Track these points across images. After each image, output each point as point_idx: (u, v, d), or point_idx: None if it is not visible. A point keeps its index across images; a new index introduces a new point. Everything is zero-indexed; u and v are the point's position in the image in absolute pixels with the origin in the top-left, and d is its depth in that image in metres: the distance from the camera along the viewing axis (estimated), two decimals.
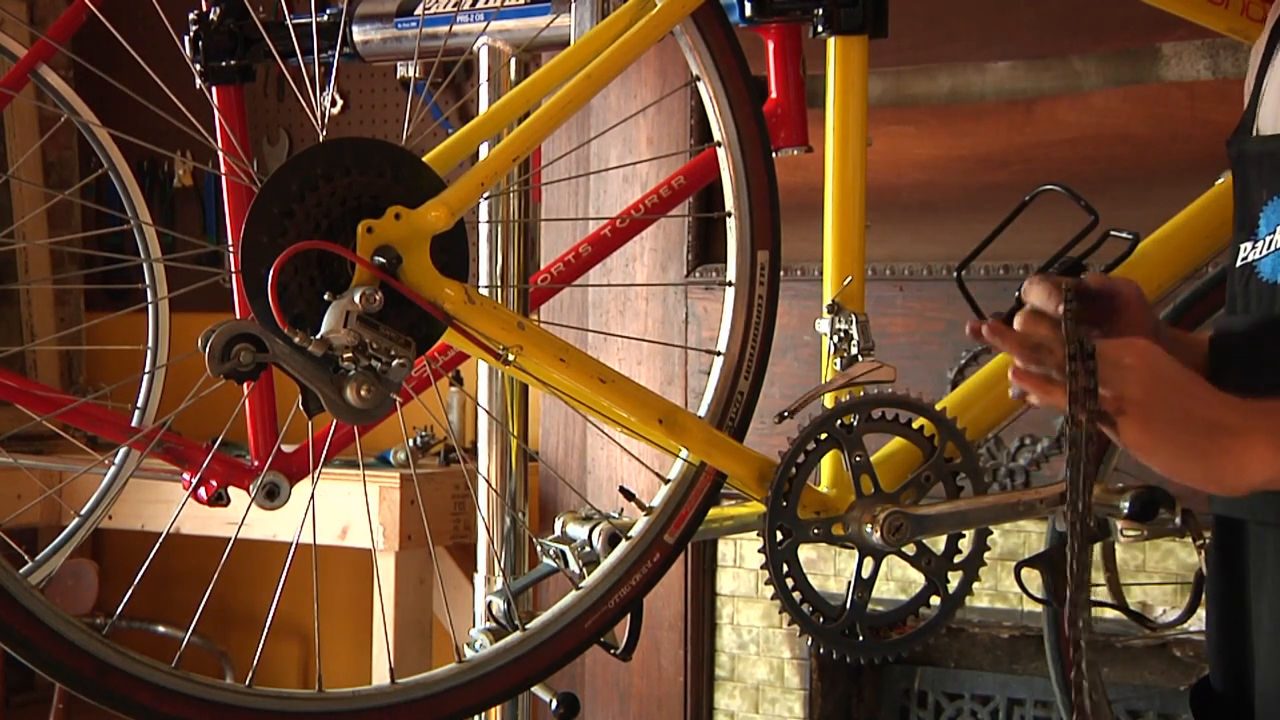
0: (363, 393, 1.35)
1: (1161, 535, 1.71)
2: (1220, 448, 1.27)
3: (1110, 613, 1.91)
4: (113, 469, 2.09)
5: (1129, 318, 1.46)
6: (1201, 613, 1.60)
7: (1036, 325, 1.34)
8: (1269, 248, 1.44)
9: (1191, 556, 1.82)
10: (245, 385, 1.36)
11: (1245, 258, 1.46)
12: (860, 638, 1.62)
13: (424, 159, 1.41)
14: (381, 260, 1.37)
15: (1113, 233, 1.70)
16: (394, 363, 1.35)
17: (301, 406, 1.37)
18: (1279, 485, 1.27)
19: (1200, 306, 1.85)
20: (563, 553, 1.63)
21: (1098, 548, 1.96)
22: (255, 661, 1.42)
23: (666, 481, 1.56)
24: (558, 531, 1.66)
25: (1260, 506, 1.38)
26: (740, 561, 3.31)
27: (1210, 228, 1.77)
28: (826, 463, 1.64)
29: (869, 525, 1.60)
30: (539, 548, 1.67)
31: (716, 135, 1.57)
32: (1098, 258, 1.71)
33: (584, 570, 1.58)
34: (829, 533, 1.62)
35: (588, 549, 1.60)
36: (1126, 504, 1.66)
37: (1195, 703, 1.54)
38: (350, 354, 1.34)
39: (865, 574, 1.62)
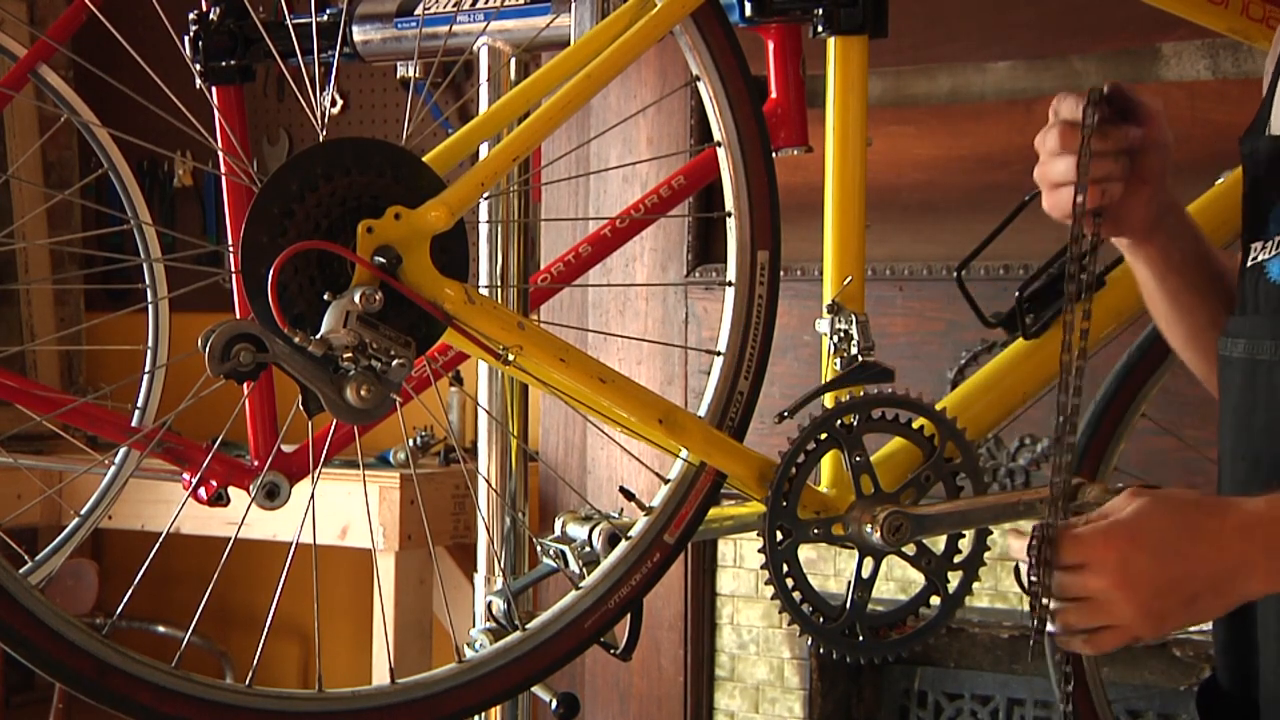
0: (363, 392, 1.35)
1: None
2: (1219, 593, 1.29)
3: None
4: (113, 469, 2.09)
5: (1148, 143, 1.53)
6: None
7: (1070, 137, 1.50)
8: (1278, 248, 1.43)
9: None
10: (245, 385, 1.36)
11: (1255, 258, 1.46)
12: (860, 638, 1.62)
13: (424, 159, 1.41)
14: (381, 260, 1.37)
15: None
16: (394, 363, 1.35)
17: (301, 406, 1.37)
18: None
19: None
20: (563, 553, 1.62)
21: None
22: (255, 661, 1.42)
23: (666, 481, 1.56)
24: (558, 531, 1.66)
25: None
26: (740, 561, 3.31)
27: (1210, 227, 1.76)
28: (826, 463, 1.64)
29: (869, 525, 1.60)
30: (539, 548, 1.67)
31: (716, 135, 1.57)
32: (1098, 257, 1.71)
33: (584, 570, 1.58)
34: (829, 533, 1.62)
35: (588, 549, 1.60)
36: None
37: (1201, 702, 1.54)
38: (350, 354, 1.34)
39: (865, 574, 1.62)
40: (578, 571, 1.59)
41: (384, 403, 1.36)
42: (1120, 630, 1.31)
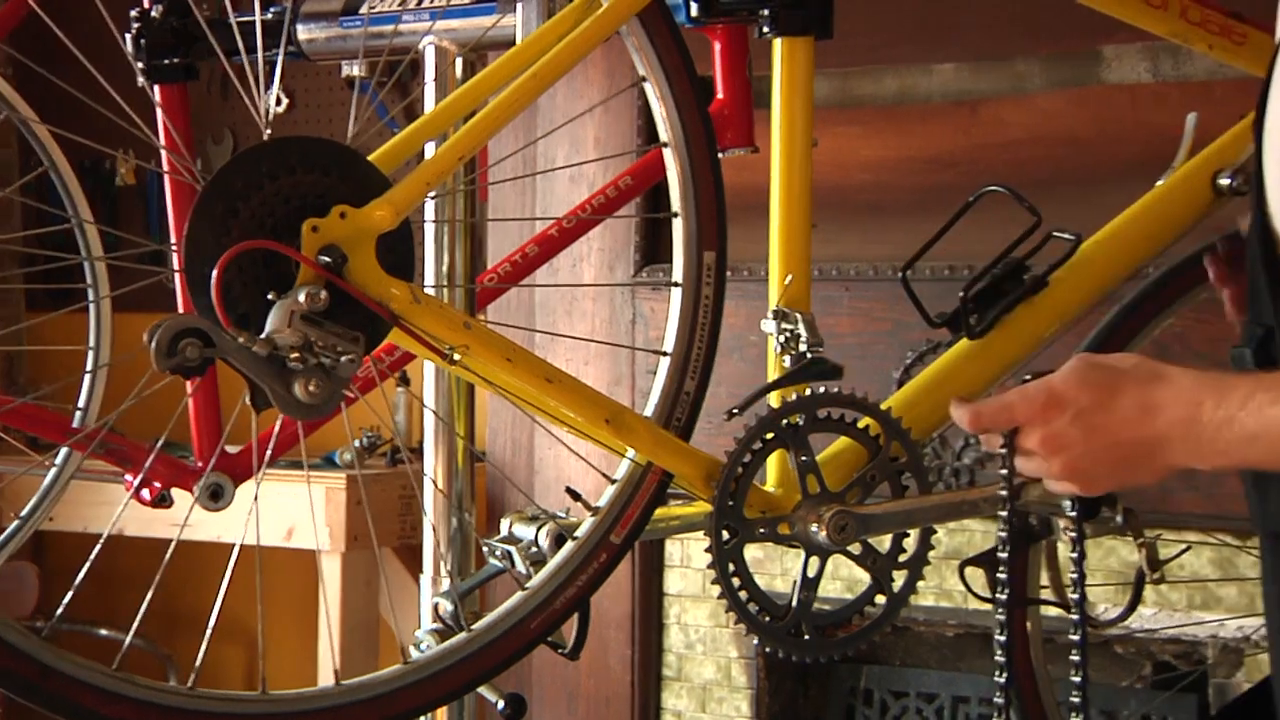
0: (311, 388, 1.34)
1: (1104, 534, 1.73)
2: (1146, 460, 1.31)
3: (1053, 610, 1.92)
4: (53, 470, 2.08)
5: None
6: (1143, 610, 1.62)
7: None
8: None
9: (1132, 555, 1.83)
10: (190, 382, 1.35)
11: None
12: (806, 637, 1.62)
13: (369, 158, 1.41)
14: (327, 259, 1.36)
15: (1055, 234, 1.72)
16: (343, 359, 1.35)
17: (249, 402, 1.36)
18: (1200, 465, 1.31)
19: (1147, 307, 1.86)
20: (509, 553, 1.62)
21: (1041, 546, 1.97)
22: (198, 663, 1.41)
23: (613, 481, 1.56)
24: (504, 532, 1.65)
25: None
26: (687, 561, 3.31)
27: (1152, 229, 1.78)
28: (772, 462, 1.64)
29: (815, 525, 1.60)
30: (485, 548, 1.67)
31: (663, 136, 1.57)
32: (1041, 258, 1.73)
33: (530, 571, 1.57)
34: (775, 532, 1.62)
35: (534, 549, 1.60)
36: (1069, 502, 1.68)
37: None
38: (297, 354, 1.33)
39: (811, 573, 1.62)
40: (524, 572, 1.58)
41: (333, 398, 1.36)
42: (1060, 484, 1.37)
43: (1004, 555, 1.48)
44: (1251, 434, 1.24)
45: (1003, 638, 1.49)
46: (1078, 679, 1.52)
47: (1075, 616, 1.51)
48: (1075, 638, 1.51)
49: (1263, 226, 1.36)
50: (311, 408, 1.35)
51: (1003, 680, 1.49)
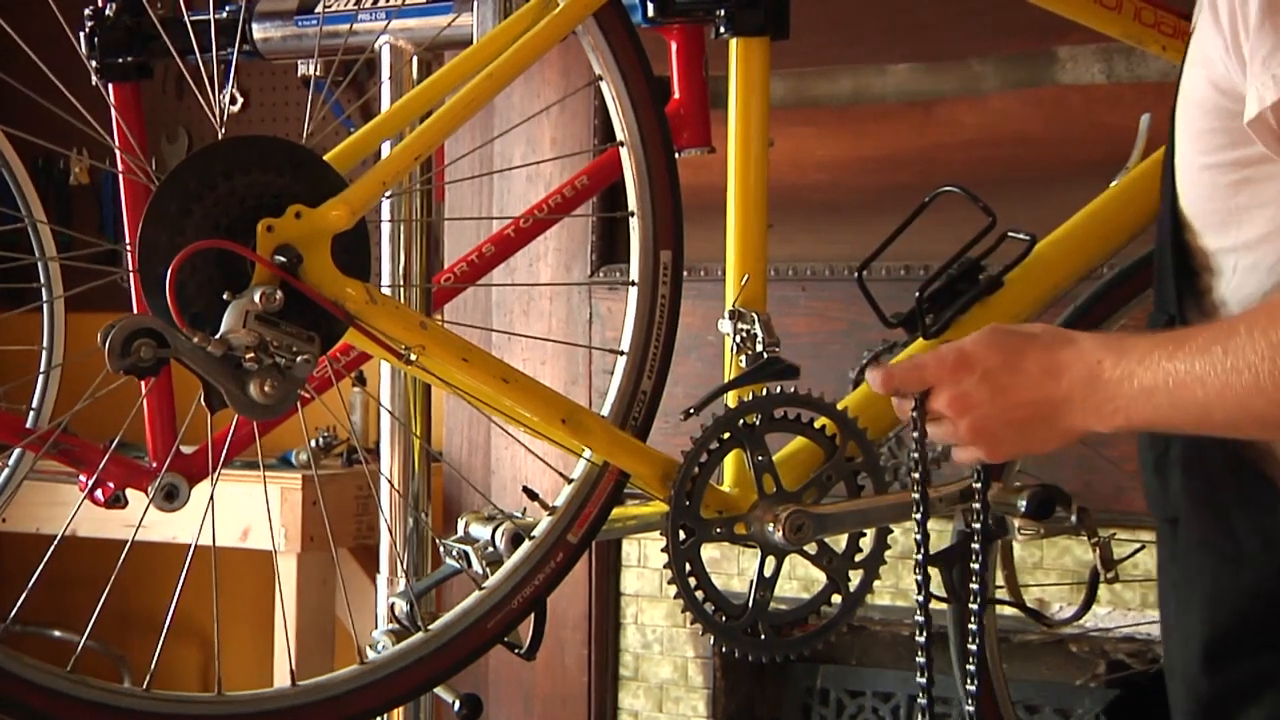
0: (267, 388, 1.34)
1: (1058, 533, 1.74)
2: (1048, 423, 1.33)
3: (1009, 609, 1.93)
4: (6, 471, 2.06)
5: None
6: (1097, 609, 1.63)
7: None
8: None
9: (1087, 554, 1.85)
10: (145, 382, 1.35)
11: None
12: (763, 636, 1.63)
13: (325, 157, 1.40)
14: (282, 259, 1.36)
15: (1010, 234, 1.73)
16: (298, 359, 1.34)
17: (204, 402, 1.36)
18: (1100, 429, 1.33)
19: (1099, 308, 1.87)
20: (466, 553, 1.62)
21: (997, 545, 1.98)
22: (153, 665, 1.40)
23: (570, 481, 1.56)
24: (461, 532, 1.65)
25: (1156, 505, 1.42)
26: (644, 561, 3.31)
27: (1107, 229, 1.79)
28: (729, 462, 1.65)
29: (771, 524, 1.61)
30: (442, 548, 1.67)
31: (619, 135, 1.57)
32: (996, 258, 1.73)
33: (487, 570, 1.57)
34: (731, 532, 1.62)
35: (491, 549, 1.60)
36: (1024, 502, 1.69)
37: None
38: (252, 354, 1.33)
39: (767, 573, 1.63)
40: (481, 572, 1.58)
41: (288, 398, 1.35)
42: (967, 449, 1.39)
43: (918, 516, 1.48)
44: (1148, 389, 1.25)
45: (921, 619, 1.49)
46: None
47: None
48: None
49: (1172, 212, 1.38)
50: (267, 408, 1.35)
51: (926, 676, 1.49)
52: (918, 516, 1.48)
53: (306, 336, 1.36)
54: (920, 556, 1.48)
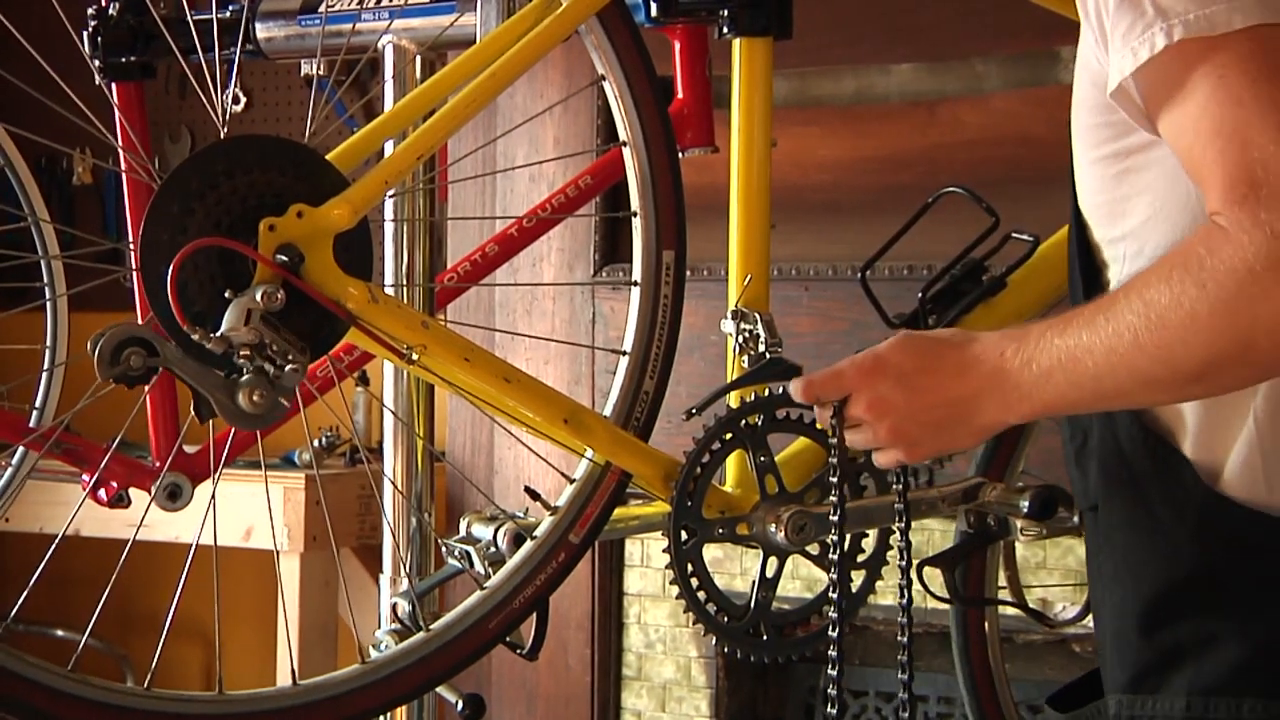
0: (255, 398, 1.33)
1: (1060, 533, 1.74)
2: (962, 420, 1.35)
3: (1011, 610, 1.93)
4: (9, 470, 2.06)
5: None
6: None
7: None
8: None
9: None
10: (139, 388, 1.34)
11: None
12: (765, 636, 1.63)
13: (327, 157, 1.40)
14: (284, 258, 1.36)
15: (1014, 235, 1.73)
16: (287, 368, 1.34)
17: (194, 411, 1.36)
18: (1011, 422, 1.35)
19: None
20: (468, 553, 1.62)
21: (999, 546, 1.98)
22: (154, 663, 1.40)
23: (572, 481, 1.56)
24: (463, 532, 1.65)
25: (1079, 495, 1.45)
26: (647, 561, 3.31)
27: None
28: (731, 462, 1.65)
29: (773, 525, 1.61)
30: (444, 548, 1.67)
31: (622, 135, 1.57)
32: (999, 259, 1.73)
33: (489, 570, 1.57)
34: (734, 532, 1.62)
35: (493, 549, 1.60)
36: (1026, 503, 1.69)
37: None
38: (248, 352, 1.32)
39: (770, 573, 1.63)
40: (483, 572, 1.58)
41: (277, 408, 1.35)
42: (887, 453, 1.42)
43: (835, 521, 1.51)
44: (1046, 370, 1.27)
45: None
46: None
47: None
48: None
49: (1074, 212, 1.40)
50: (255, 418, 1.34)
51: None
52: (835, 520, 1.51)
53: (300, 346, 1.35)
54: (835, 558, 1.51)
